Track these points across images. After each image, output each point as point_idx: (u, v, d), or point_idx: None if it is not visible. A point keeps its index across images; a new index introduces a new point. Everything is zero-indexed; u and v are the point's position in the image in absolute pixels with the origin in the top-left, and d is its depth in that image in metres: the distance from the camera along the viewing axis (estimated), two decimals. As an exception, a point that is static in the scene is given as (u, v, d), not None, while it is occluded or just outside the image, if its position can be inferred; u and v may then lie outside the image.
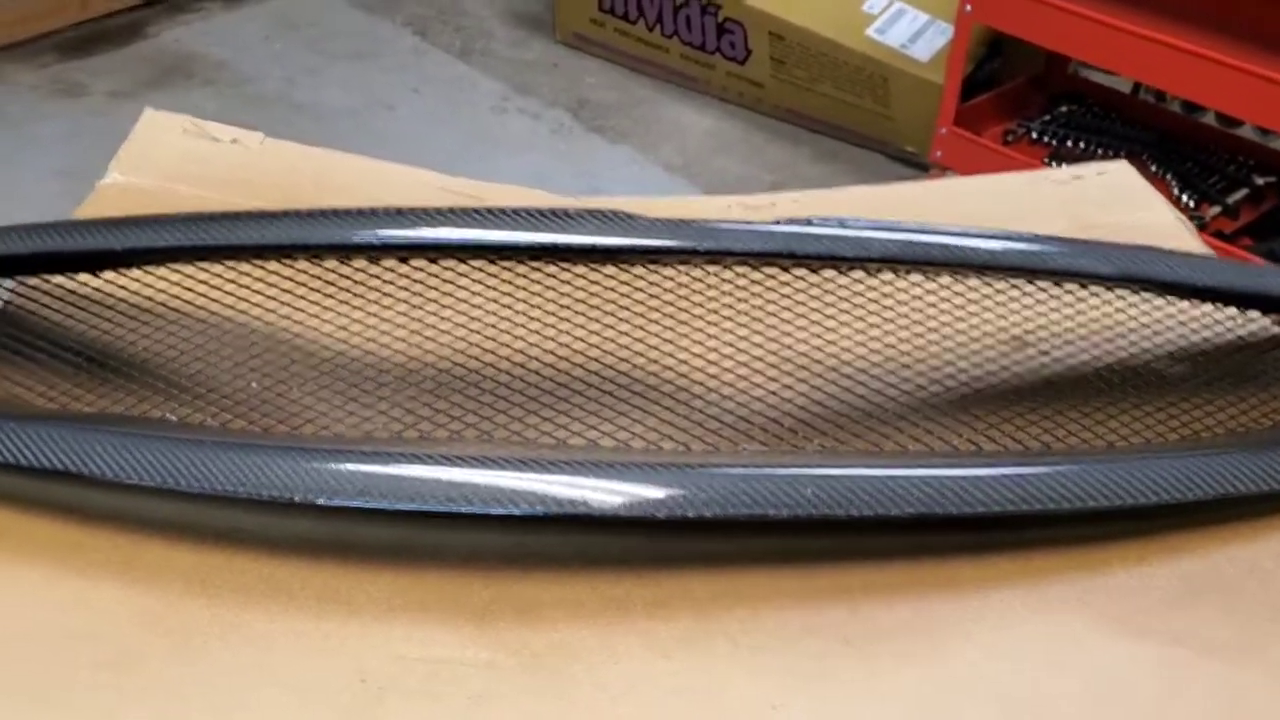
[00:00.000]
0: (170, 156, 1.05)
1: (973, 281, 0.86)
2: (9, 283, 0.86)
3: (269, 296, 0.85)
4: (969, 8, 2.51)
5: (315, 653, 0.68)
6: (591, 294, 0.87)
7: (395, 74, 3.24)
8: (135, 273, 0.84)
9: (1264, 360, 0.89)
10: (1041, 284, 0.86)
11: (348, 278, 0.85)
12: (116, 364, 0.83)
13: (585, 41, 3.37)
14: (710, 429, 0.82)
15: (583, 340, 0.87)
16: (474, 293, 0.85)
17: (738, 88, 3.13)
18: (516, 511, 0.70)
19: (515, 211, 0.81)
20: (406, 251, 0.82)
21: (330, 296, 0.85)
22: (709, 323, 0.87)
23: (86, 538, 0.73)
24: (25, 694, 0.65)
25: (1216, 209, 2.50)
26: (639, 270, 0.86)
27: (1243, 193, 2.53)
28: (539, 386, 0.83)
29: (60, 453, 0.71)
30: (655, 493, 0.72)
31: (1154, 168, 2.61)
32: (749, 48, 3.06)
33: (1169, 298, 0.87)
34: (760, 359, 0.86)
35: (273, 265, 0.84)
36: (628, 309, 0.87)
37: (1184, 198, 2.53)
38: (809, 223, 0.84)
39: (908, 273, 0.85)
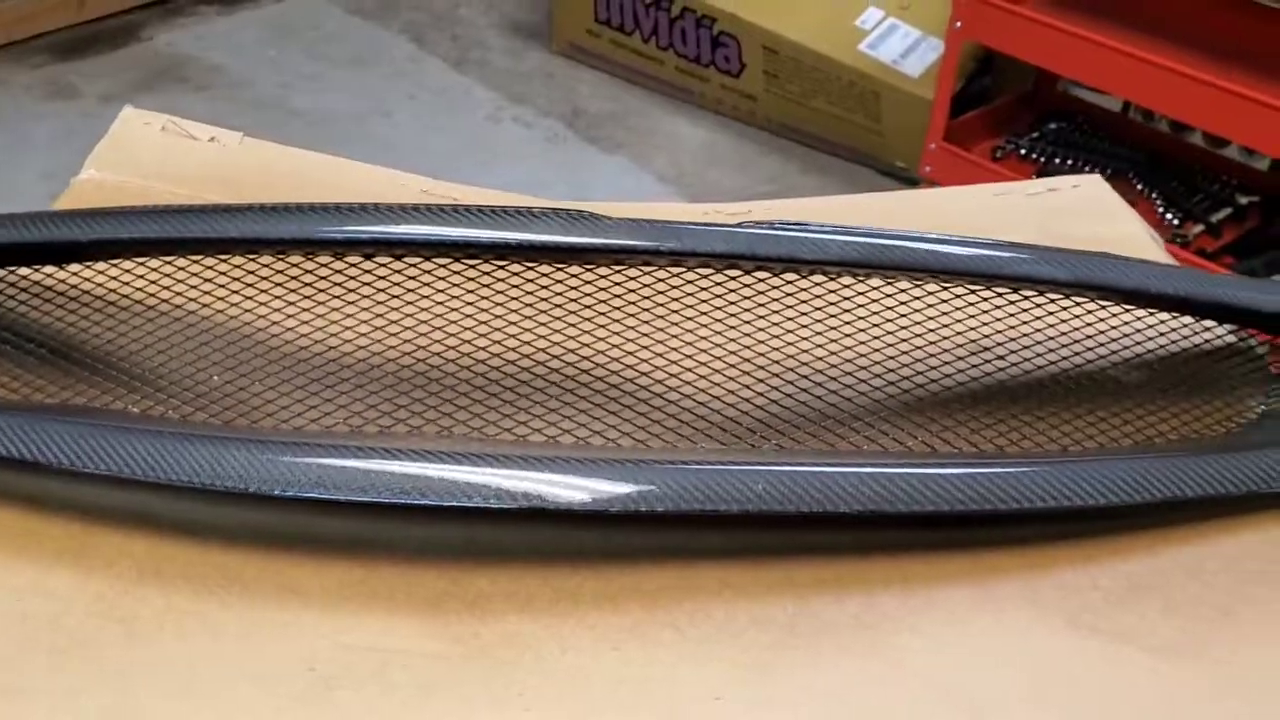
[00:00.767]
0: (147, 154, 1.06)
1: (931, 286, 0.87)
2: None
3: (233, 291, 0.86)
4: (959, 24, 2.53)
5: (267, 641, 0.69)
6: (555, 292, 0.88)
7: (391, 81, 3.25)
8: (100, 265, 0.85)
9: (1219, 368, 0.90)
10: (1000, 289, 0.87)
11: (312, 273, 0.85)
12: (80, 355, 0.83)
13: (581, 52, 3.39)
14: (669, 427, 0.83)
15: (545, 338, 0.87)
16: (437, 289, 0.86)
17: (731, 100, 3.15)
18: (470, 504, 0.71)
19: (478, 209, 0.82)
20: (371, 248, 0.82)
21: (294, 292, 0.86)
22: (671, 323, 0.87)
23: (43, 525, 0.73)
24: (-23, 678, 0.66)
25: (1200, 227, 2.52)
26: (602, 269, 0.87)
27: (1226, 211, 2.54)
28: (500, 383, 0.84)
29: (17, 441, 0.72)
30: (608, 487, 0.72)
31: (1139, 185, 2.63)
32: (743, 61, 3.08)
33: (1125, 305, 0.88)
34: (721, 359, 0.87)
35: (237, 260, 0.85)
36: (591, 308, 0.88)
37: (1168, 215, 2.54)
38: (771, 225, 0.84)
39: (867, 276, 0.86)
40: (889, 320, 0.88)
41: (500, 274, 0.86)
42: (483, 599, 0.72)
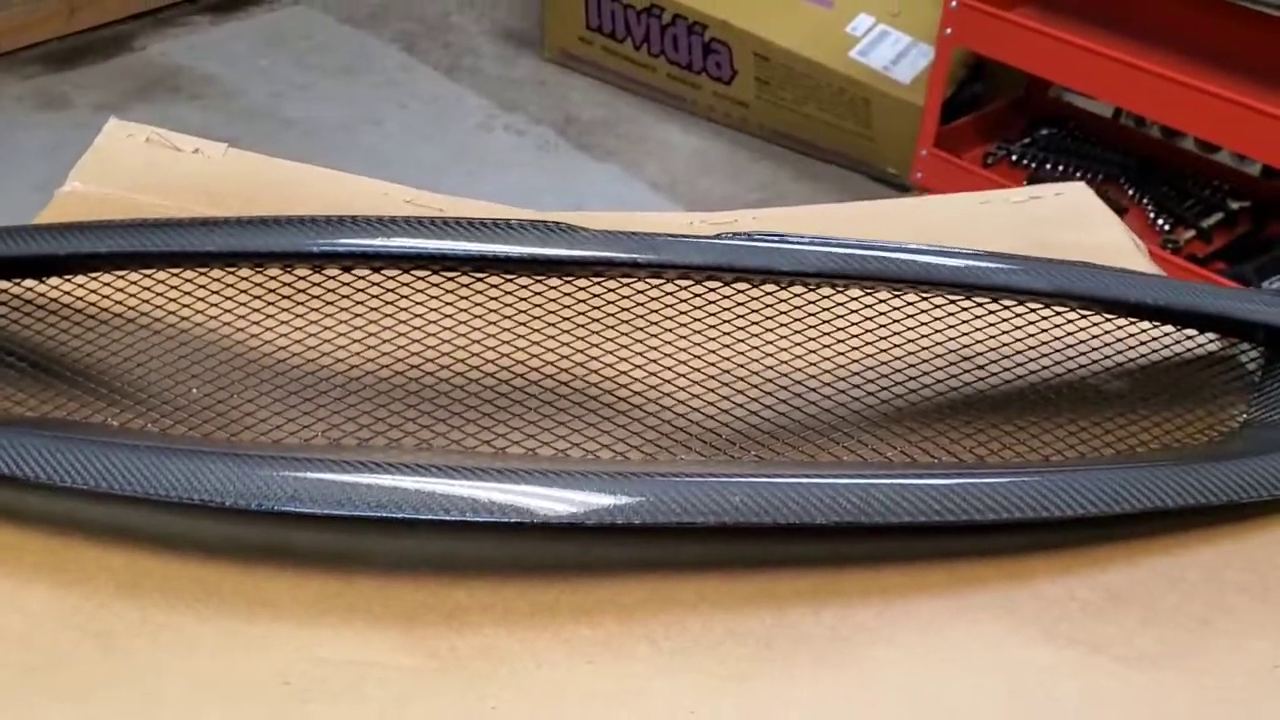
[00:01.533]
0: (132, 166, 1.06)
1: (911, 296, 0.87)
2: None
3: (211, 304, 0.86)
4: (949, 31, 2.53)
5: (242, 654, 0.69)
6: (534, 305, 0.88)
7: (383, 90, 3.26)
8: (79, 279, 0.85)
9: (1200, 377, 0.90)
10: (979, 299, 0.87)
11: (290, 285, 0.85)
12: (59, 369, 0.83)
13: (573, 59, 3.39)
14: (649, 439, 0.83)
15: (523, 350, 0.87)
16: (415, 302, 0.86)
17: (723, 107, 3.15)
18: (447, 518, 0.71)
19: (456, 221, 0.82)
20: (348, 260, 0.82)
21: (272, 304, 0.86)
22: (650, 334, 0.87)
23: (20, 540, 0.73)
24: (-49, 693, 0.66)
25: (1191, 233, 2.52)
26: (581, 281, 0.87)
27: (1217, 217, 2.55)
28: (479, 396, 0.84)
29: (-5, 455, 0.72)
30: (586, 500, 0.72)
31: (1131, 191, 2.63)
32: (734, 68, 3.08)
33: (1106, 315, 0.88)
34: (701, 370, 0.87)
35: (215, 273, 0.85)
36: (570, 320, 0.88)
37: (1160, 221, 2.55)
38: (749, 237, 0.84)
39: (846, 287, 0.86)
40: (869, 331, 0.88)
41: (479, 286, 0.86)
42: (460, 611, 0.72)
